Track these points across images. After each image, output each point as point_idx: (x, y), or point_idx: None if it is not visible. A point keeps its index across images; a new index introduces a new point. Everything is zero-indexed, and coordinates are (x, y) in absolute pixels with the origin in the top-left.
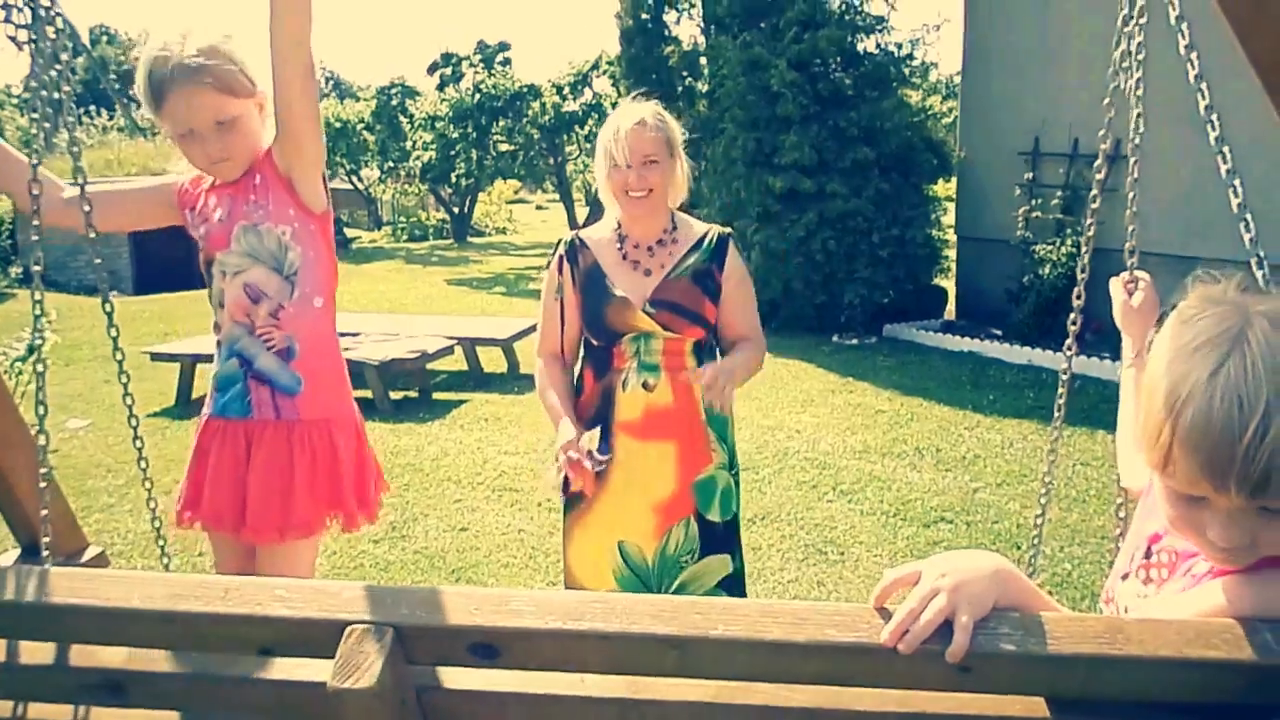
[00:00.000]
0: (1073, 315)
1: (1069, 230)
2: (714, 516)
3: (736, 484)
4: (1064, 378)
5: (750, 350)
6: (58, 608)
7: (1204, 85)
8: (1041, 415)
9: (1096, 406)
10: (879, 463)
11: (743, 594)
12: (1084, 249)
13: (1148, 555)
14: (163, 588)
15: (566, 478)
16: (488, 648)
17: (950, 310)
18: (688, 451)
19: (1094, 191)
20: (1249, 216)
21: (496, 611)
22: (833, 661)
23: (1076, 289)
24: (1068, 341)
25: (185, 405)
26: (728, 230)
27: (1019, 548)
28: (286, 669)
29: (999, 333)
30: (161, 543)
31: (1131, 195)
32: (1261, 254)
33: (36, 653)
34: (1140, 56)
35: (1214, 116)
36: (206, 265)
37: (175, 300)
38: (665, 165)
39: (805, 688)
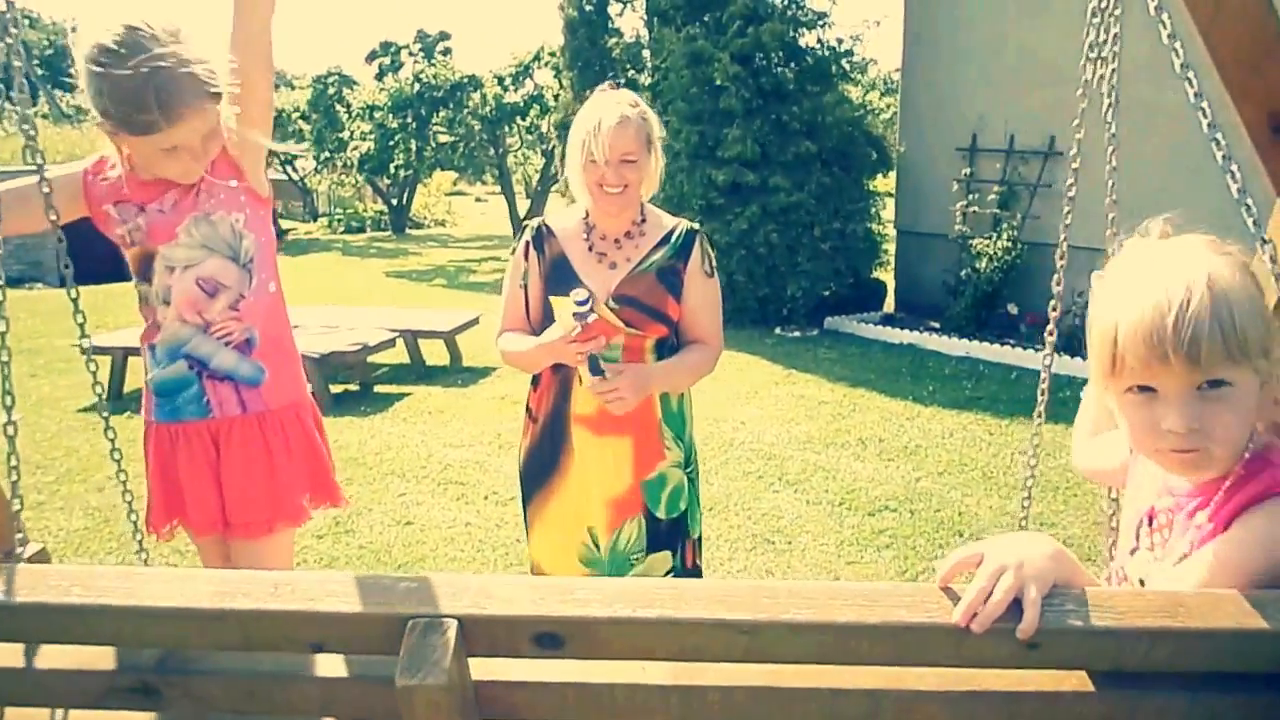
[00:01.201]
0: (1053, 302)
1: (1005, 225)
2: (660, 514)
3: (693, 483)
4: (1044, 374)
5: (690, 357)
6: (88, 608)
7: (1190, 75)
8: (980, 406)
9: (1033, 397)
10: (823, 453)
11: None
12: (1061, 237)
13: (1150, 523)
14: (206, 584)
15: (597, 362)
16: (553, 637)
17: (889, 303)
18: (642, 448)
19: (1070, 181)
20: (1250, 202)
21: (562, 600)
22: (903, 642)
23: (1055, 276)
24: (1049, 328)
25: (118, 399)
26: (696, 226)
27: (961, 535)
28: (335, 666)
29: (937, 325)
30: (139, 535)
31: (1110, 184)
32: (1266, 237)
33: (59, 656)
34: (1116, 49)
35: (1205, 105)
36: (143, 261)
37: (104, 293)
38: (642, 162)
39: (867, 669)
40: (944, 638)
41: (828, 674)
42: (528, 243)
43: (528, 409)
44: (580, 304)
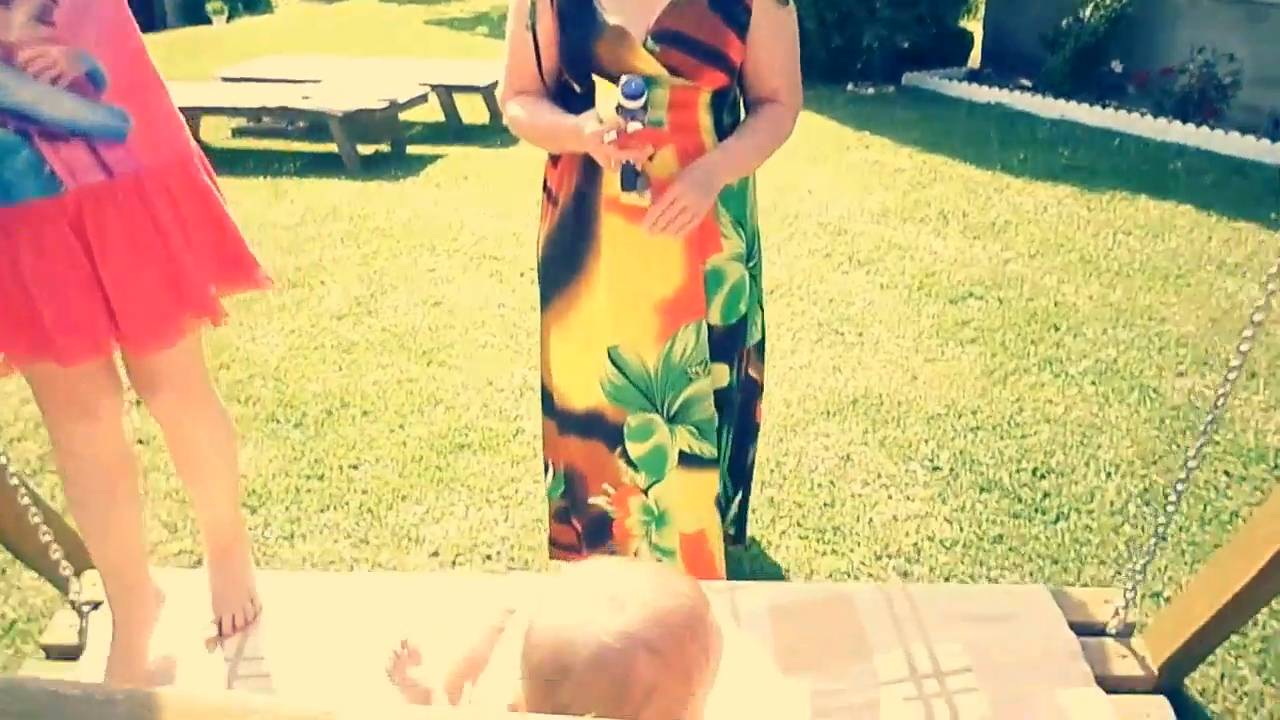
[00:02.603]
0: None
1: None
2: (715, 319)
3: (755, 280)
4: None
5: (762, 128)
6: None
7: None
8: (1077, 177)
9: (1138, 168)
10: (899, 229)
11: (732, 414)
12: None
13: None
14: None
15: (634, 171)
16: None
17: (975, 57)
18: (693, 236)
19: None
20: None
21: None
22: None
23: None
24: None
25: None
26: None
27: (1056, 329)
28: None
29: (1029, 83)
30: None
31: None
32: None
33: None
34: None
35: None
36: None
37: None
38: None
39: None
40: None
41: None
42: None
43: (545, 187)
44: (630, 97)
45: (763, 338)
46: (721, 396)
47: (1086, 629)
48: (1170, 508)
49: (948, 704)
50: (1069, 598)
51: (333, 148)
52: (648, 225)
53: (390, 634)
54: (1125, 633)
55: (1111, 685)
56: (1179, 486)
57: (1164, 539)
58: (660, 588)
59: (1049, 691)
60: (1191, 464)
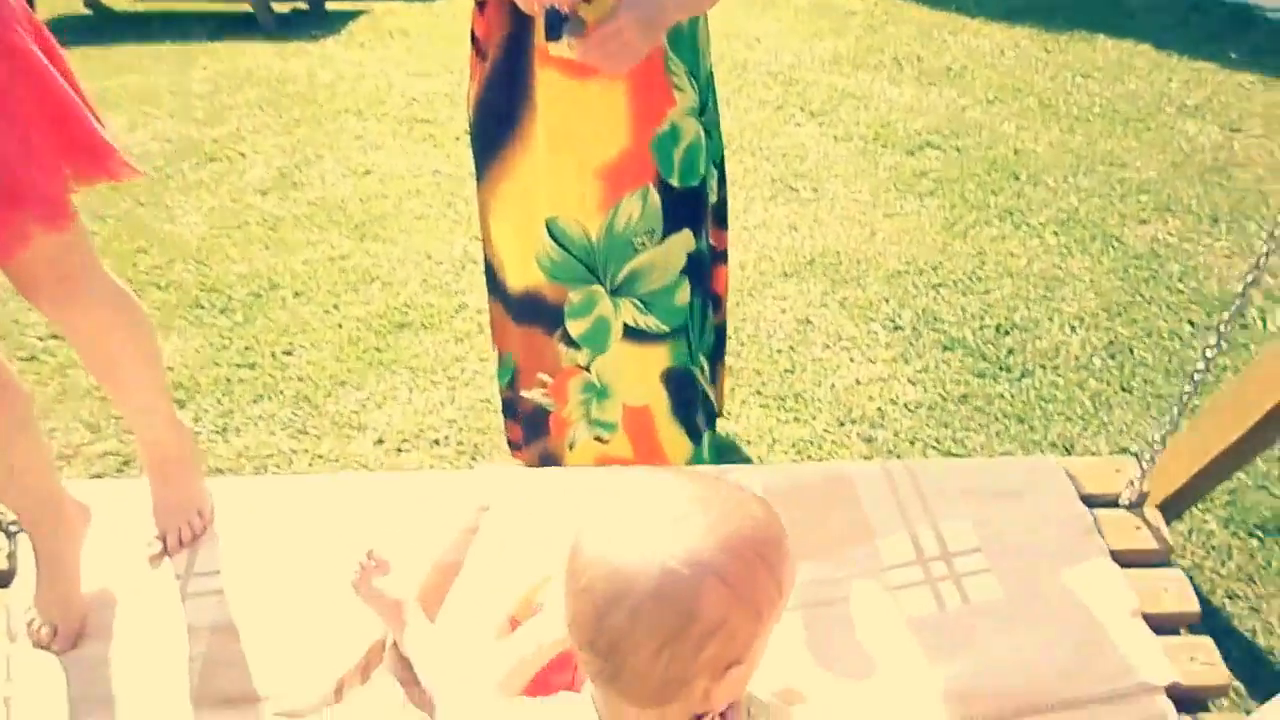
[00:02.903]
0: None
1: None
2: (674, 180)
3: (711, 136)
4: None
5: None
6: None
7: None
8: (1036, 18)
9: (1095, 6)
10: (852, 76)
11: (705, 282)
12: None
13: None
14: None
15: (559, 16)
16: None
17: None
18: (643, 92)
19: None
20: None
21: None
22: None
23: None
24: None
25: None
26: None
27: (1017, 178)
28: None
29: None
30: None
31: None
32: None
33: None
34: None
35: None
36: None
37: None
38: None
39: None
40: None
41: None
42: None
43: (473, 38)
44: None
45: (721, 200)
46: (693, 264)
47: (1097, 501)
48: (1197, 376)
49: (956, 587)
50: (1077, 468)
51: (246, 6)
52: (580, 53)
53: (354, 540)
54: (1138, 503)
55: (1126, 559)
56: (1203, 361)
57: (1183, 411)
58: (731, 508)
59: (1062, 569)
60: (1225, 343)
